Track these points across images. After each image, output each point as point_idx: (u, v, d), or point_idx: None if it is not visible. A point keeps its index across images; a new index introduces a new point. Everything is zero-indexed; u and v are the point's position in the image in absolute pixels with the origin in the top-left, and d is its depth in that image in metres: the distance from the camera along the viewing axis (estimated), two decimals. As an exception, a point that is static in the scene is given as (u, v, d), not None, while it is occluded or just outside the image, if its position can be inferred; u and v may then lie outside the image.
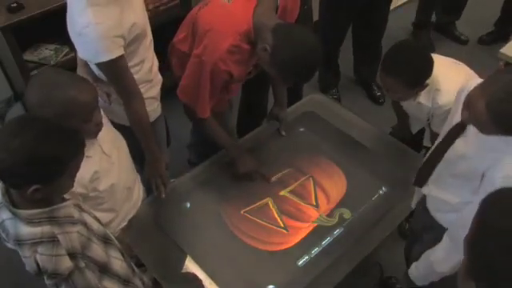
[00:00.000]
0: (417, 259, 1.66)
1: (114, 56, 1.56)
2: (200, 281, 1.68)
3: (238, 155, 1.99)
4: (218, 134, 1.98)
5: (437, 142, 1.62)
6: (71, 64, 1.99)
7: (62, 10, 1.69)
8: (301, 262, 1.74)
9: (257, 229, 1.83)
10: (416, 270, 1.66)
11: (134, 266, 1.57)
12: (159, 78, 1.91)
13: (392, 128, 2.39)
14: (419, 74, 1.77)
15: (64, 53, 2.49)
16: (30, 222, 1.21)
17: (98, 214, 1.49)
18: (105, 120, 1.61)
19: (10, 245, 1.28)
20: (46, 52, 2.48)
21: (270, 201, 1.93)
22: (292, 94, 2.37)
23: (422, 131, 2.18)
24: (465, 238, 0.91)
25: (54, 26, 2.02)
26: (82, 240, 1.28)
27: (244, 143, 2.16)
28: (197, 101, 1.83)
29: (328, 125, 2.25)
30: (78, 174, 1.28)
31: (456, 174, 1.50)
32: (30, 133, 1.14)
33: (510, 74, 1.26)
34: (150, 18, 1.78)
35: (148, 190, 1.94)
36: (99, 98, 1.55)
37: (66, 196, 1.32)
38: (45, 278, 1.24)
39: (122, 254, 1.49)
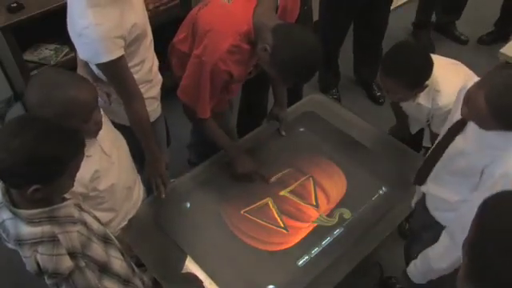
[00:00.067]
0: (416, 258, 1.67)
1: (114, 57, 1.56)
2: (200, 281, 1.68)
3: (236, 156, 1.99)
4: (217, 135, 1.98)
5: (437, 141, 1.62)
6: (71, 64, 1.99)
7: (62, 10, 1.69)
8: (301, 262, 1.74)
9: (257, 229, 1.83)
10: (414, 268, 1.66)
11: (134, 266, 1.57)
12: (159, 78, 1.91)
13: (390, 129, 2.39)
14: (419, 75, 1.77)
15: (64, 53, 2.49)
16: (30, 221, 1.21)
17: (98, 214, 1.49)
18: (105, 120, 1.61)
19: (10, 245, 1.28)
20: (46, 52, 2.48)
21: (270, 201, 1.93)
22: (292, 94, 2.37)
23: (421, 131, 2.18)
24: (464, 241, 0.91)
25: (54, 26, 2.02)
26: (82, 240, 1.28)
27: (244, 143, 2.17)
28: (197, 101, 1.83)
29: (328, 125, 2.25)
30: (79, 174, 1.28)
31: (455, 171, 1.50)
32: (30, 133, 1.14)
33: (508, 69, 1.26)
34: (150, 18, 1.77)
35: (148, 189, 1.94)
36: (99, 98, 1.55)
37: (67, 196, 1.32)
38: (45, 277, 1.25)
39: (122, 254, 1.49)
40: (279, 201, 1.93)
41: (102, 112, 1.57)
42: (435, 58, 1.82)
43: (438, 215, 1.65)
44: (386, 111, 2.41)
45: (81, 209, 1.37)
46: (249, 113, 2.55)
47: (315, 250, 1.77)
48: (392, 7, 2.98)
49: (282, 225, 1.85)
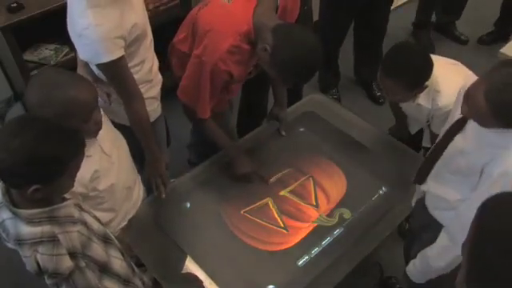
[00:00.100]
0: (415, 257, 1.67)
1: (114, 57, 1.56)
2: (200, 281, 1.68)
3: (236, 156, 1.99)
4: (216, 135, 1.98)
5: (437, 141, 1.62)
6: (71, 64, 1.99)
7: (62, 10, 1.69)
8: (301, 262, 1.74)
9: (257, 229, 1.83)
10: (414, 268, 1.67)
11: (134, 266, 1.57)
12: (159, 78, 1.91)
13: (389, 129, 2.39)
14: (419, 76, 1.77)
15: (64, 53, 2.49)
16: (30, 221, 1.21)
17: (98, 214, 1.49)
18: (105, 120, 1.61)
19: (10, 245, 1.28)
20: (46, 52, 2.48)
21: (270, 201, 1.93)
22: (292, 94, 2.37)
23: (420, 132, 2.18)
24: (463, 242, 0.91)
25: (54, 26, 2.02)
26: (82, 239, 1.28)
27: (244, 143, 2.17)
28: (197, 101, 1.83)
29: (328, 125, 2.25)
30: (78, 174, 1.28)
31: (455, 170, 1.50)
32: (30, 133, 1.14)
33: (507, 67, 1.26)
34: (150, 18, 1.77)
35: (148, 189, 1.94)
36: (99, 98, 1.55)
37: (67, 196, 1.32)
38: (45, 277, 1.25)
39: (122, 254, 1.49)
40: (279, 201, 1.93)
41: (101, 112, 1.57)
42: (435, 58, 1.82)
43: (438, 214, 1.65)
44: (386, 111, 2.41)
45: (81, 209, 1.37)
46: (249, 113, 2.55)
47: (315, 250, 1.77)
48: (392, 7, 2.98)
49: (282, 225, 1.85)
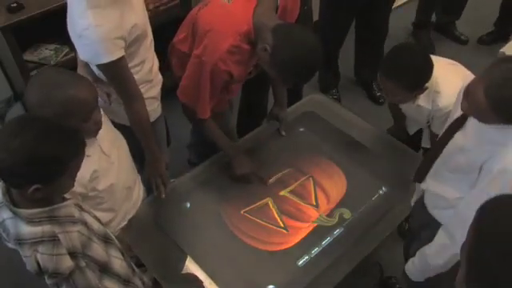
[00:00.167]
0: (414, 256, 1.67)
1: (114, 58, 1.56)
2: (200, 281, 1.68)
3: (235, 157, 1.99)
4: (216, 135, 1.98)
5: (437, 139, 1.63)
6: (71, 64, 1.99)
7: (62, 10, 1.69)
8: (301, 262, 1.74)
9: (257, 229, 1.83)
10: (412, 266, 1.67)
11: (134, 266, 1.58)
12: (159, 78, 1.91)
13: (387, 130, 2.39)
14: (419, 78, 1.77)
15: (64, 53, 2.49)
16: (30, 221, 1.21)
17: (98, 214, 1.49)
18: (105, 119, 1.61)
19: (10, 244, 1.28)
20: (46, 52, 2.48)
21: (269, 201, 1.93)
22: (292, 94, 2.37)
23: (418, 132, 2.18)
24: (462, 244, 0.91)
25: (54, 26, 2.02)
26: (82, 239, 1.28)
27: (244, 143, 2.17)
28: (197, 101, 1.83)
29: (328, 125, 2.25)
30: (78, 174, 1.28)
31: (454, 167, 1.50)
32: (30, 133, 1.14)
33: (507, 62, 1.27)
34: (150, 18, 1.77)
35: (148, 189, 1.94)
36: (99, 98, 1.55)
37: (67, 195, 1.32)
38: (45, 277, 1.25)
39: (122, 254, 1.49)
40: (279, 201, 1.93)
41: (101, 112, 1.57)
42: (434, 58, 1.81)
43: (437, 213, 1.65)
44: (386, 111, 2.41)
45: (81, 209, 1.37)
46: (249, 113, 2.55)
47: (315, 250, 1.77)
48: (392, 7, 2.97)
49: (282, 225, 1.85)
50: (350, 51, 3.13)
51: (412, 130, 2.21)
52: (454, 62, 1.92)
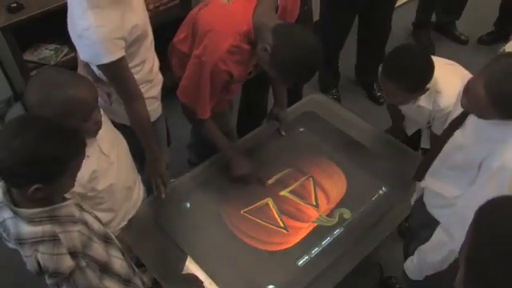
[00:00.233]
0: (413, 254, 1.67)
1: (114, 58, 1.56)
2: (200, 282, 1.68)
3: (233, 158, 1.99)
4: (215, 136, 1.98)
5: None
6: (71, 64, 2.00)
7: (62, 10, 1.69)
8: (301, 262, 1.74)
9: (257, 229, 1.83)
10: (411, 264, 1.67)
11: (134, 266, 1.58)
12: (160, 78, 1.91)
13: (385, 131, 2.39)
14: (420, 79, 1.76)
15: (64, 53, 2.49)
16: (31, 221, 1.21)
17: (98, 214, 1.49)
18: (105, 119, 1.61)
19: (11, 244, 1.28)
20: (46, 52, 2.48)
21: (269, 201, 1.93)
22: (292, 94, 2.37)
23: (417, 132, 2.18)
24: (461, 247, 0.91)
25: (54, 26, 2.02)
26: (82, 239, 1.28)
27: (244, 143, 2.17)
28: (197, 101, 1.83)
29: (328, 125, 2.25)
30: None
31: (453, 165, 1.50)
32: (31, 133, 1.14)
33: (507, 58, 1.27)
34: (150, 18, 1.77)
35: (148, 189, 1.94)
36: (99, 98, 1.55)
37: (67, 195, 1.32)
38: (46, 277, 1.25)
39: (123, 254, 1.49)
40: (279, 201, 1.93)
41: (101, 112, 1.57)
42: (433, 59, 1.81)
43: (436, 212, 1.65)
44: (386, 111, 2.41)
45: (81, 209, 1.37)
46: (249, 113, 2.55)
47: (315, 250, 1.77)
48: (392, 7, 2.97)
49: (282, 225, 1.85)
50: (350, 51, 3.13)
51: (410, 131, 2.21)
52: (452, 62, 1.92)
